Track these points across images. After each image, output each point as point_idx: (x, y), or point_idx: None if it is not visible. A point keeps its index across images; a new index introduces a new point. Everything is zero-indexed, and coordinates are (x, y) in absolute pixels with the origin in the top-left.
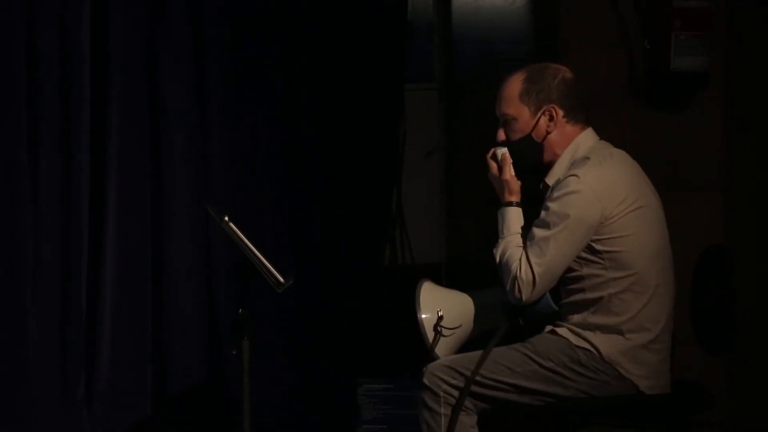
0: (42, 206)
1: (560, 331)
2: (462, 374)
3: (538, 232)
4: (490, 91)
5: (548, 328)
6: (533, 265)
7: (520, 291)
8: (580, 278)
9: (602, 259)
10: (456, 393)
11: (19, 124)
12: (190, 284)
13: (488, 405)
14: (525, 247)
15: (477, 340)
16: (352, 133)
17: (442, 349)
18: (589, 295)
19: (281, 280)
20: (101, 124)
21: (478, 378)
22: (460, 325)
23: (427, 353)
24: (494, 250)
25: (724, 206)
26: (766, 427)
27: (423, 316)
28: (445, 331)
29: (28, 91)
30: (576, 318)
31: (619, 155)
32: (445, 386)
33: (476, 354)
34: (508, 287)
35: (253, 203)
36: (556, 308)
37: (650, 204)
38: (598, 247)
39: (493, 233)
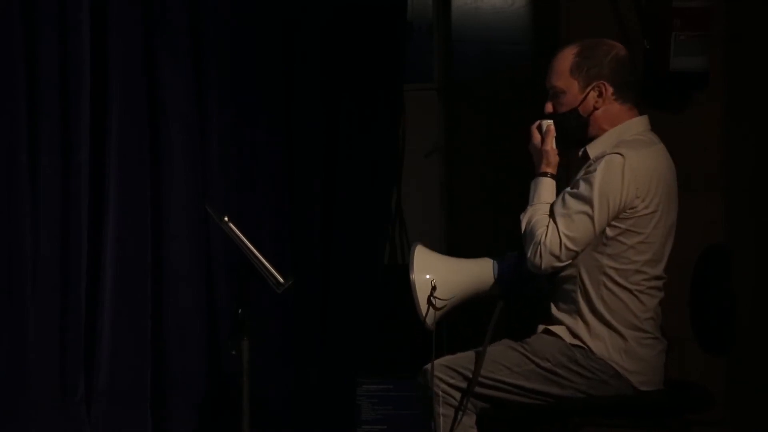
0: (42, 206)
1: (555, 330)
2: (460, 373)
3: (573, 204)
4: (490, 92)
5: (541, 328)
6: (562, 236)
7: (541, 258)
8: (577, 261)
9: (607, 245)
10: (455, 392)
11: (19, 123)
12: (190, 284)
13: (487, 404)
14: (554, 216)
15: (466, 342)
16: (352, 133)
17: (431, 317)
18: (584, 280)
19: (281, 280)
20: (101, 124)
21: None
22: (453, 295)
23: (430, 350)
24: (521, 216)
25: (724, 206)
26: (765, 427)
27: (416, 277)
28: (438, 302)
29: (28, 91)
30: (569, 315)
31: (665, 153)
32: (443, 386)
33: (474, 352)
34: (529, 253)
35: (253, 203)
36: (547, 291)
37: (669, 211)
38: (609, 232)
39: (492, 233)
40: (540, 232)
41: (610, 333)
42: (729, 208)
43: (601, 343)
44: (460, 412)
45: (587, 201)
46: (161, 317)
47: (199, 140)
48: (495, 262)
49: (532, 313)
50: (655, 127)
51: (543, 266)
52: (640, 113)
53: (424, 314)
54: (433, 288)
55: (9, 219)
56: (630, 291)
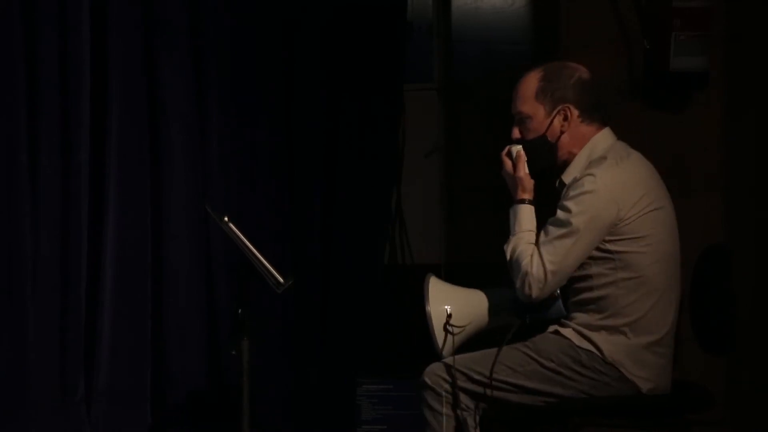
0: (42, 206)
1: (564, 331)
2: (463, 374)
3: (553, 230)
4: (490, 92)
5: (552, 328)
6: (546, 263)
7: (530, 287)
8: (589, 277)
9: (613, 259)
10: (457, 392)
11: (19, 123)
12: (190, 284)
13: (489, 404)
14: (538, 245)
15: (484, 337)
16: (352, 133)
17: (447, 346)
18: (597, 294)
19: (281, 280)
20: (101, 124)
21: (479, 378)
22: (470, 323)
23: (432, 349)
24: (505, 247)
25: (724, 206)
26: (765, 427)
27: (432, 309)
28: (454, 330)
29: (28, 91)
30: (582, 318)
31: (637, 156)
32: (446, 386)
33: (478, 354)
34: (518, 284)
35: (253, 203)
36: (566, 314)
37: (665, 207)
38: (611, 247)
39: (492, 233)
40: (525, 262)
41: (623, 339)
42: (729, 208)
43: (614, 347)
44: (463, 412)
45: (566, 225)
46: (161, 317)
47: (199, 140)
48: (510, 289)
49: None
50: (656, 128)
51: (534, 296)
52: (603, 125)
53: (440, 344)
54: (449, 316)
55: (9, 219)
56: (650, 296)
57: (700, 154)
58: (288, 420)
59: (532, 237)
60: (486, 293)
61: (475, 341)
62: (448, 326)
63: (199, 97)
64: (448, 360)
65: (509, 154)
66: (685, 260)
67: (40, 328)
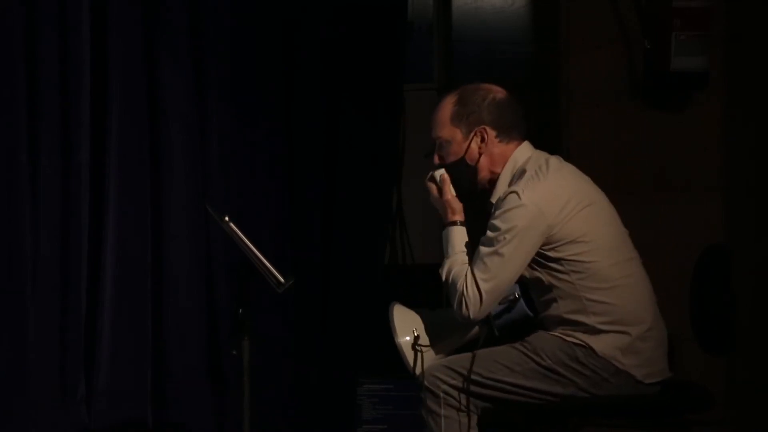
0: (42, 206)
1: (551, 333)
2: (461, 374)
3: (482, 249)
4: None
5: (540, 331)
6: (479, 282)
7: (467, 308)
8: (549, 289)
9: (562, 265)
10: (455, 393)
11: (19, 123)
12: (190, 284)
13: (488, 405)
14: (471, 265)
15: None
16: (352, 133)
17: (420, 365)
18: (563, 304)
19: (281, 280)
20: (101, 124)
21: (477, 378)
22: (437, 341)
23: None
24: (440, 270)
25: (724, 206)
26: (765, 427)
27: (401, 340)
28: (423, 348)
29: (28, 91)
30: (561, 327)
31: (555, 162)
32: (444, 386)
33: (476, 353)
34: (455, 306)
35: (253, 203)
36: (531, 314)
37: (596, 201)
38: (553, 254)
39: None
40: (460, 283)
41: (609, 336)
42: (729, 208)
43: (602, 343)
44: (461, 413)
45: (494, 241)
46: (161, 317)
47: (199, 140)
48: None
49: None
50: (656, 127)
51: (472, 316)
52: (522, 140)
53: (411, 365)
54: (417, 337)
55: (9, 219)
56: (610, 289)
57: (700, 154)
58: (288, 420)
59: (466, 258)
60: (448, 311)
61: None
62: (416, 346)
63: (199, 97)
64: (445, 361)
65: (432, 179)
66: (685, 260)
67: (40, 328)
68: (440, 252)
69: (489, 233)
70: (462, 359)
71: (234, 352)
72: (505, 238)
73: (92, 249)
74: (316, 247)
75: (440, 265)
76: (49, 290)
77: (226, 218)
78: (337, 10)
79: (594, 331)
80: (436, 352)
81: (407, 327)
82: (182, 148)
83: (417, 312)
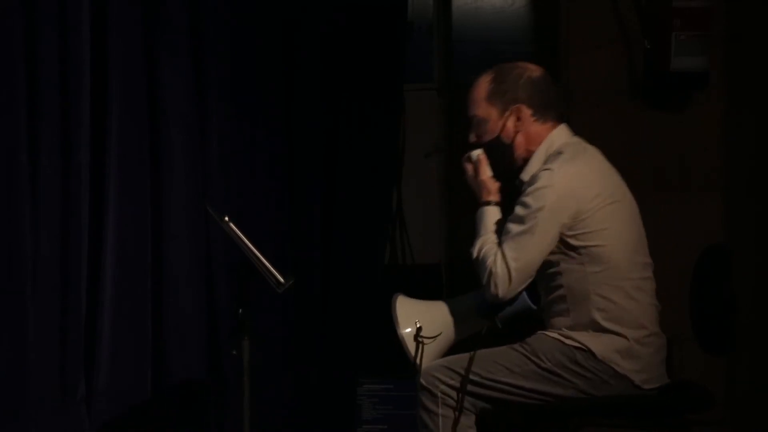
0: (42, 206)
1: (551, 335)
2: (459, 374)
3: (512, 227)
4: None
5: (538, 333)
6: (509, 260)
7: (496, 287)
8: (559, 274)
9: (579, 254)
10: (453, 393)
11: (19, 123)
12: (190, 284)
13: (487, 405)
14: (500, 243)
15: (462, 344)
16: (352, 133)
17: (425, 359)
18: (570, 292)
19: (281, 280)
20: (101, 124)
21: (476, 378)
22: (440, 333)
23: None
24: (471, 249)
25: (724, 206)
26: (765, 427)
27: (403, 331)
28: (426, 340)
29: (28, 90)
30: (561, 321)
31: (593, 151)
32: (442, 386)
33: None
34: (484, 284)
35: (253, 203)
36: (534, 306)
37: (625, 199)
38: (574, 242)
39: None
40: (490, 261)
41: (608, 336)
42: (729, 208)
43: (601, 346)
44: (460, 413)
45: (525, 220)
46: (161, 317)
47: (199, 140)
48: (473, 293)
49: (528, 327)
50: (656, 127)
51: (500, 295)
52: (559, 122)
53: (413, 356)
54: (419, 329)
55: (9, 219)
56: (622, 288)
57: (700, 154)
58: (288, 420)
59: (497, 238)
60: (451, 303)
61: (452, 349)
62: (418, 338)
63: (199, 97)
64: (443, 360)
65: (469, 159)
66: (685, 260)
67: (40, 328)
68: (440, 252)
69: (519, 210)
70: (461, 359)
71: (234, 352)
72: (536, 217)
73: (92, 249)
74: (316, 247)
75: (471, 244)
76: (49, 290)
77: (226, 218)
78: (337, 10)
79: (594, 327)
80: (439, 344)
81: (410, 319)
82: (182, 148)
83: (421, 303)
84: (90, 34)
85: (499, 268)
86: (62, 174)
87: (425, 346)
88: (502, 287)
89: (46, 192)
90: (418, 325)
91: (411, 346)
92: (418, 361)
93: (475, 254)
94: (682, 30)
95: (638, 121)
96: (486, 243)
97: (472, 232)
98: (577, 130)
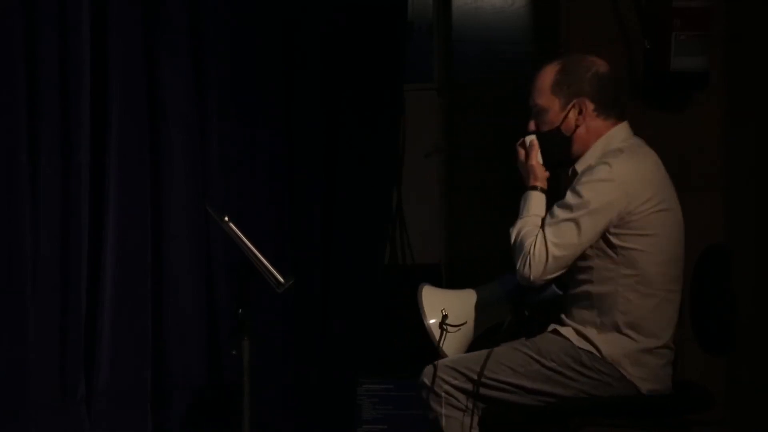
0: (42, 206)
1: (563, 330)
2: (463, 374)
3: (560, 212)
4: (490, 92)
5: (551, 327)
6: (549, 244)
7: (530, 268)
8: (590, 269)
9: (616, 253)
10: (458, 393)
11: (19, 123)
12: (190, 284)
13: (490, 405)
14: (543, 227)
15: (484, 336)
16: (352, 133)
17: (449, 347)
18: (597, 288)
19: (281, 280)
20: (101, 124)
21: (477, 378)
22: (465, 322)
23: (435, 352)
24: (510, 229)
25: (724, 206)
26: (765, 427)
27: (429, 321)
28: (450, 329)
29: (28, 90)
30: (580, 315)
31: (652, 155)
32: (446, 386)
33: (477, 353)
34: (518, 264)
35: (253, 203)
36: (560, 292)
37: (674, 209)
38: (615, 240)
39: (492, 233)
40: (529, 242)
41: (621, 338)
42: (729, 208)
43: (612, 347)
44: (463, 412)
45: (574, 208)
46: (161, 317)
47: (199, 140)
48: (498, 281)
49: (548, 320)
50: (655, 128)
51: (532, 277)
52: (620, 120)
53: (439, 343)
54: (445, 316)
55: (9, 219)
56: (651, 296)
57: (700, 154)
58: (288, 420)
59: (539, 222)
60: (478, 290)
61: (476, 340)
62: (443, 325)
63: (199, 97)
64: (447, 360)
65: (522, 144)
66: (685, 260)
67: (40, 328)
68: (440, 252)
69: (569, 198)
70: (465, 359)
71: (234, 352)
72: (586, 208)
73: (92, 249)
74: (316, 247)
75: (512, 224)
76: (49, 290)
77: (226, 218)
78: (337, 10)
79: (610, 328)
80: (464, 332)
81: (436, 308)
82: (182, 148)
83: (447, 292)
84: (90, 34)
85: (537, 250)
86: (62, 174)
87: (451, 335)
88: (536, 270)
89: (46, 192)
90: (444, 313)
91: (436, 332)
92: (441, 346)
93: (513, 236)
94: (682, 30)
95: (638, 121)
96: (527, 225)
97: (472, 232)
98: None
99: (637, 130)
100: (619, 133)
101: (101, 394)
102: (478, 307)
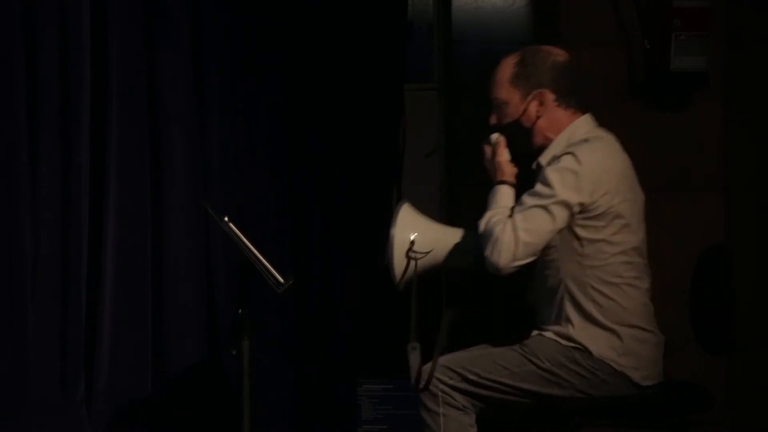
0: (42, 206)
1: (547, 335)
2: (459, 374)
3: (529, 200)
4: None
5: (535, 332)
6: (519, 230)
7: (499, 254)
8: (557, 266)
9: (581, 245)
10: (454, 393)
11: (19, 123)
12: (190, 284)
13: (487, 405)
14: (513, 214)
15: (465, 342)
16: (352, 133)
17: (407, 274)
18: (567, 284)
19: (281, 280)
20: (101, 124)
21: (475, 378)
22: (431, 250)
23: (433, 354)
24: (479, 221)
25: (724, 206)
26: (765, 427)
27: (395, 232)
28: (417, 256)
29: (28, 91)
30: (559, 324)
31: (617, 146)
32: (442, 386)
33: (473, 353)
34: (486, 251)
35: (253, 203)
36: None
37: (636, 199)
38: (580, 232)
39: None
40: (498, 229)
41: (604, 333)
42: (729, 208)
43: (597, 344)
44: (460, 411)
45: (543, 196)
46: (161, 317)
47: (199, 140)
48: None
49: (522, 323)
50: (656, 127)
51: (502, 263)
52: (583, 112)
53: (400, 272)
54: (412, 243)
55: (9, 219)
56: (617, 285)
57: (700, 154)
58: (288, 420)
59: (508, 212)
60: (455, 231)
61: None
62: (410, 253)
63: (199, 97)
64: (443, 360)
65: (488, 141)
66: (685, 260)
67: (40, 328)
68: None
69: (538, 186)
70: (460, 358)
71: (234, 352)
72: (554, 195)
73: (92, 249)
74: (316, 247)
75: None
76: (49, 290)
77: (226, 218)
78: (337, 10)
79: (588, 323)
80: (429, 262)
81: (408, 227)
82: (182, 148)
83: (426, 219)
84: (90, 34)
85: (507, 236)
86: (62, 174)
87: (415, 264)
88: (505, 255)
89: (46, 192)
90: (412, 239)
91: (400, 258)
92: (398, 277)
93: (483, 225)
94: (682, 30)
95: (638, 121)
96: (496, 215)
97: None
98: None
99: (637, 130)
100: (583, 124)
101: (101, 394)
102: (448, 245)
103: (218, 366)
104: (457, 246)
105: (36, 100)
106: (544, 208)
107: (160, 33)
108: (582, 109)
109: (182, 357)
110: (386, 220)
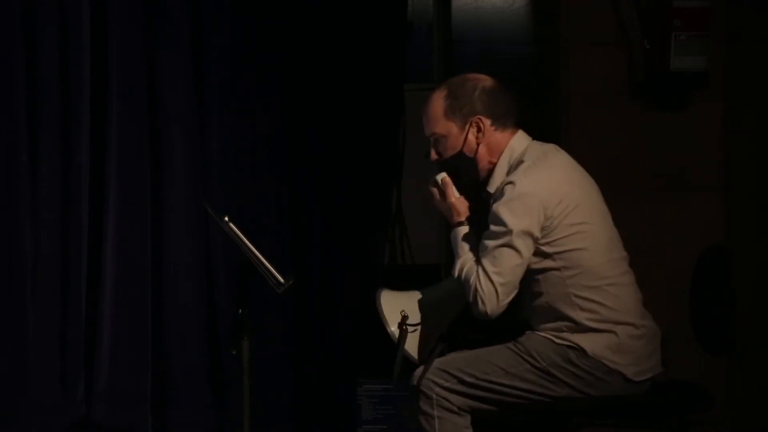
0: (42, 206)
1: (541, 333)
2: (454, 375)
3: (488, 243)
4: None
5: (529, 331)
6: (491, 275)
7: (483, 303)
8: (538, 281)
9: (554, 260)
10: (448, 394)
11: (19, 123)
12: (190, 284)
13: (483, 405)
14: (479, 261)
15: (458, 344)
16: (352, 133)
17: (415, 346)
18: (551, 297)
19: (281, 280)
20: (101, 124)
21: (471, 380)
22: (423, 321)
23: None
24: (452, 271)
25: (724, 206)
26: (765, 427)
27: (391, 329)
28: (410, 329)
29: (28, 91)
30: (549, 324)
31: (553, 153)
32: (437, 389)
33: (468, 355)
34: (470, 300)
35: (253, 203)
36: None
37: (591, 197)
38: (547, 249)
39: None
40: (473, 279)
41: (599, 334)
42: (729, 208)
43: (592, 343)
44: (455, 414)
45: (500, 234)
46: (161, 317)
47: (199, 140)
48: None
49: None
50: (656, 127)
51: (489, 311)
52: (516, 129)
53: (416, 355)
54: (405, 317)
55: (9, 219)
56: (600, 288)
57: (700, 154)
58: (288, 420)
59: (475, 256)
60: (432, 289)
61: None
62: (404, 326)
63: (199, 96)
64: (437, 363)
65: (435, 183)
66: (685, 260)
67: (40, 328)
68: (439, 252)
69: (493, 226)
70: (454, 360)
71: (234, 352)
72: (507, 231)
73: (92, 249)
74: (316, 247)
75: (452, 265)
76: (49, 290)
77: (226, 218)
78: (337, 10)
79: (582, 328)
80: (426, 331)
81: (396, 311)
82: (182, 148)
83: (405, 294)
84: (90, 33)
85: (484, 285)
86: (62, 174)
87: (412, 334)
88: (490, 304)
89: (46, 192)
90: (403, 314)
91: (409, 343)
92: (404, 347)
93: (456, 275)
94: (682, 30)
95: (638, 121)
96: (466, 263)
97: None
98: (577, 130)
99: (637, 130)
100: (518, 143)
101: (101, 394)
102: (439, 305)
103: (218, 366)
104: (442, 304)
105: (36, 100)
106: (507, 245)
107: (160, 33)
108: (518, 127)
109: (182, 357)
110: (386, 221)
